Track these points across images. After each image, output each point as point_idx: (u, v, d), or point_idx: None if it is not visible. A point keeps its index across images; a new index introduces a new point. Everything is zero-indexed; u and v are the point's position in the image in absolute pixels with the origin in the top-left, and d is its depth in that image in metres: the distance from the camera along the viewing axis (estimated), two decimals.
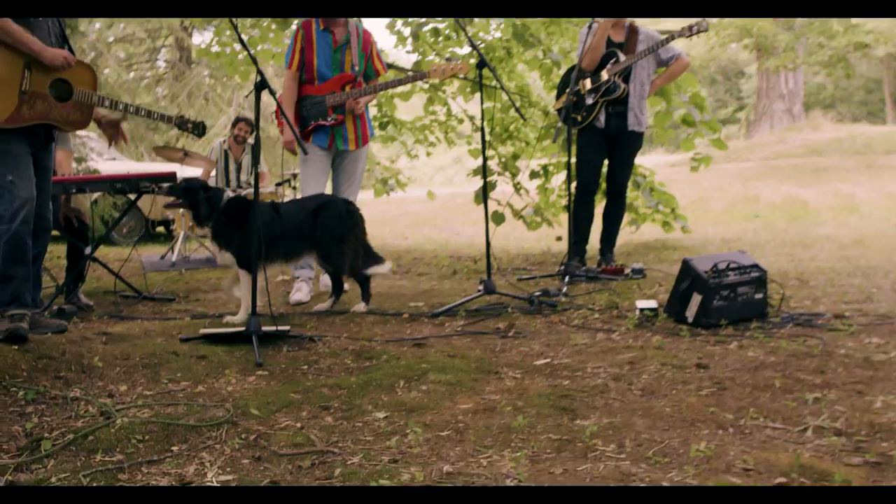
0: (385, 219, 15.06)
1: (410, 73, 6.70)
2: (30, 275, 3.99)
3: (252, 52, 4.06)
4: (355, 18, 5.49)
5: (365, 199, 10.73)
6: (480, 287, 4.86)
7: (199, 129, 4.45)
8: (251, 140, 9.05)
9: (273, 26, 8.35)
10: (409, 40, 8.19)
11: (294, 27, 5.50)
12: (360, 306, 4.90)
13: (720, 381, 3.25)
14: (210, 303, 5.55)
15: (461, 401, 3.08)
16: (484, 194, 5.04)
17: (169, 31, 15.88)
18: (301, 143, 4.09)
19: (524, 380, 3.37)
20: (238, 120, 9.05)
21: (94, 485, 2.35)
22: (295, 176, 8.83)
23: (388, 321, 4.60)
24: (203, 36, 16.24)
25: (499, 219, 7.12)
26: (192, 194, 4.63)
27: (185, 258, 8.42)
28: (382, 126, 8.94)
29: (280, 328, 4.09)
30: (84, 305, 5.31)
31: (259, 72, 3.88)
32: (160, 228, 11.87)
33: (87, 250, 5.40)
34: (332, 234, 4.74)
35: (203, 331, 4.08)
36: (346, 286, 5.53)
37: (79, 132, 11.90)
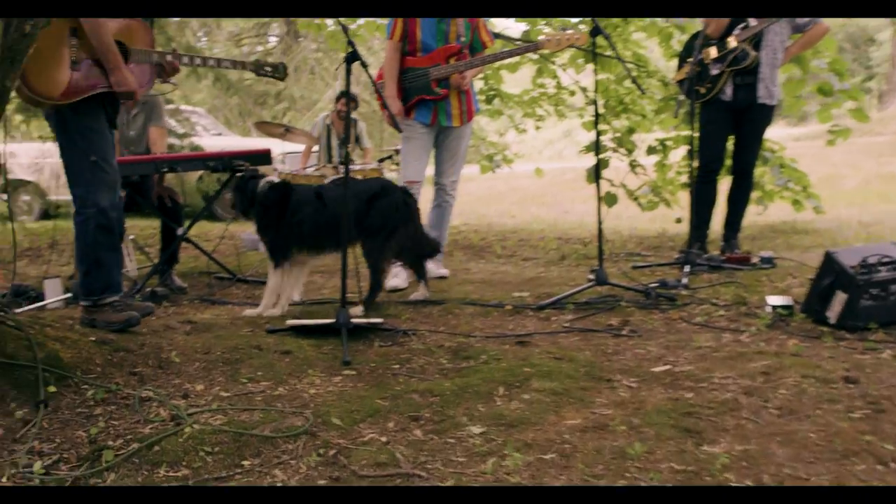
0: (491, 195, 14.68)
1: (521, 44, 6.28)
2: (119, 259, 3.82)
3: (345, 24, 3.71)
4: None
5: (470, 175, 10.37)
6: (591, 276, 4.43)
7: (280, 72, 4.03)
8: (355, 115, 8.82)
9: None
10: None
11: None
12: (358, 309, 4.25)
13: (875, 400, 2.75)
14: (306, 286, 5.31)
15: (568, 415, 2.70)
16: (596, 174, 4.60)
17: None
18: (395, 121, 3.77)
19: (640, 390, 2.95)
20: (342, 94, 8.83)
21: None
22: (398, 152, 8.54)
23: (489, 313, 4.24)
24: None
25: (611, 200, 6.62)
26: (237, 182, 4.41)
27: None
28: (489, 100, 8.54)
29: (372, 320, 3.79)
30: (177, 288, 5.17)
31: (349, 42, 3.55)
32: None
33: (181, 231, 5.24)
34: (383, 225, 4.34)
35: (290, 322, 3.82)
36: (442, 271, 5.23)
37: (184, 107, 12.00)
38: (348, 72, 3.60)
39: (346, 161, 3.70)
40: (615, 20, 7.29)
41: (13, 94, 3.26)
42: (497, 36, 7.44)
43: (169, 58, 3.72)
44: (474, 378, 3.10)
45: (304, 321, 3.84)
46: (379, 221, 4.32)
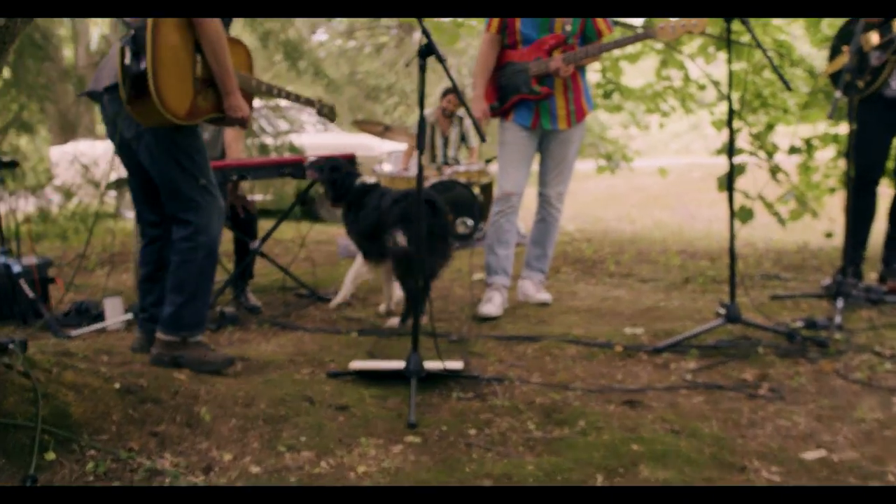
0: (610, 196, 13.78)
1: (637, 32, 5.48)
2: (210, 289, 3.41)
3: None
4: None
5: (587, 172, 9.52)
6: (720, 311, 3.66)
7: (331, 114, 4.16)
8: (461, 113, 8.22)
9: None
10: None
11: None
12: (394, 321, 4.26)
13: None
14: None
15: None
16: (729, 186, 3.80)
17: None
18: (478, 128, 3.13)
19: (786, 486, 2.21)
20: (447, 91, 8.24)
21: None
22: None
23: (594, 356, 3.53)
24: None
25: (746, 216, 5.66)
26: (330, 171, 4.43)
27: None
28: (606, 94, 7.74)
29: (449, 366, 3.16)
30: (250, 307, 4.71)
31: (425, 32, 2.94)
32: None
33: (254, 244, 4.76)
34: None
35: (353, 365, 3.24)
36: (543, 296, 4.55)
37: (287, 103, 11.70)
38: (422, 68, 2.98)
39: (420, 169, 3.08)
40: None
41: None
42: (616, 23, 6.65)
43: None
44: (566, 457, 2.45)
45: (370, 364, 3.26)
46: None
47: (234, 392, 2.95)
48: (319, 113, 4.03)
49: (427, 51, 2.94)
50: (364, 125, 7.61)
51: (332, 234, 9.16)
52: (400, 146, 8.99)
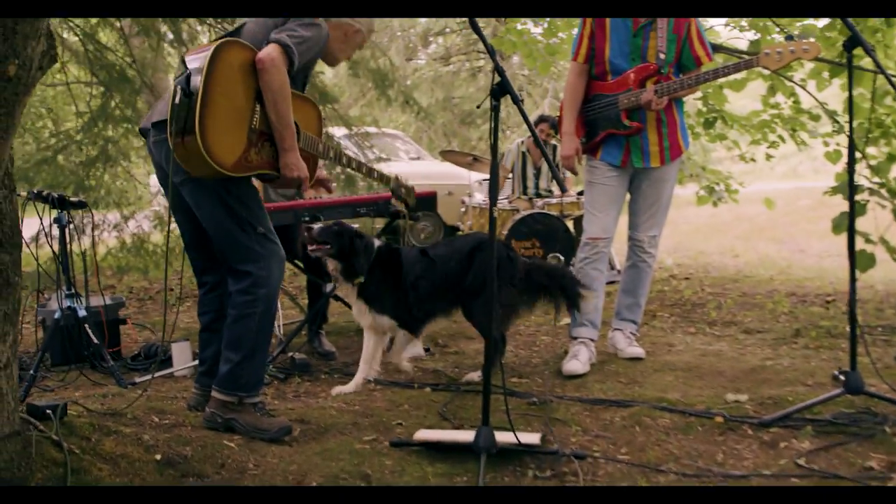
0: (711, 226, 13.11)
1: (742, 59, 5.03)
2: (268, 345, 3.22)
3: (493, 46, 2.79)
4: None
5: (686, 197, 8.93)
6: (839, 378, 3.19)
7: (410, 197, 3.95)
8: (554, 141, 7.88)
9: None
10: None
11: None
12: (474, 375, 3.90)
13: None
14: (472, 357, 4.44)
15: None
16: (850, 237, 3.31)
17: (486, 22, 15.21)
18: (555, 174, 2.83)
19: None
20: (540, 120, 7.91)
21: None
22: None
23: (690, 428, 3.12)
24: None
25: (866, 263, 4.97)
26: (344, 240, 3.72)
27: None
28: (708, 123, 7.27)
29: (525, 439, 2.82)
30: (325, 352, 4.51)
31: (498, 70, 2.64)
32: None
33: (328, 287, 4.54)
34: (481, 283, 3.72)
35: (420, 436, 2.94)
36: (635, 350, 4.16)
37: (381, 130, 11.55)
38: (495, 109, 2.68)
39: (492, 222, 2.77)
40: (874, 21, 5.80)
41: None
42: (717, 49, 6.21)
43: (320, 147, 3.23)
44: None
45: (437, 435, 2.96)
46: (479, 280, 3.74)
47: (286, 466, 2.69)
48: (394, 195, 3.78)
49: (500, 90, 2.64)
50: (451, 156, 7.37)
51: None
52: (488, 177, 8.71)
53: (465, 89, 16.44)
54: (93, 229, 4.71)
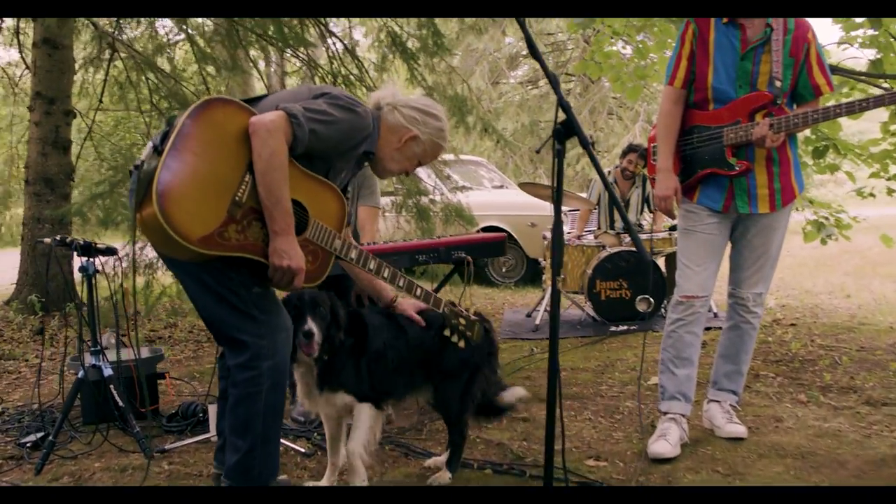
0: (817, 260, 12.12)
1: (885, 92, 4.28)
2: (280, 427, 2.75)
3: (554, 74, 2.24)
4: None
5: (791, 226, 8.16)
6: None
7: (470, 328, 3.05)
8: (645, 171, 7.27)
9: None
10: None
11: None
12: (444, 475, 3.13)
13: None
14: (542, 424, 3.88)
15: None
16: None
17: (575, 44, 14.66)
18: (628, 224, 2.27)
19: None
20: (629, 150, 7.32)
21: None
22: None
23: None
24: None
25: None
26: (330, 318, 2.91)
27: None
28: (818, 153, 6.52)
29: None
30: None
31: (563, 105, 2.11)
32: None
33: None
34: (461, 364, 3.12)
35: None
36: (735, 428, 3.52)
37: (464, 157, 11.06)
38: (559, 154, 2.15)
39: (554, 281, 2.23)
40: None
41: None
42: (833, 70, 5.49)
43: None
44: None
45: None
46: (457, 359, 3.10)
47: None
48: (447, 324, 3.01)
49: (566, 131, 2.11)
50: (531, 188, 6.84)
51: (500, 302, 8.42)
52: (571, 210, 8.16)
53: (553, 114, 15.83)
54: (133, 272, 4.34)
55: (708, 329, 5.54)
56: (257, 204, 2.41)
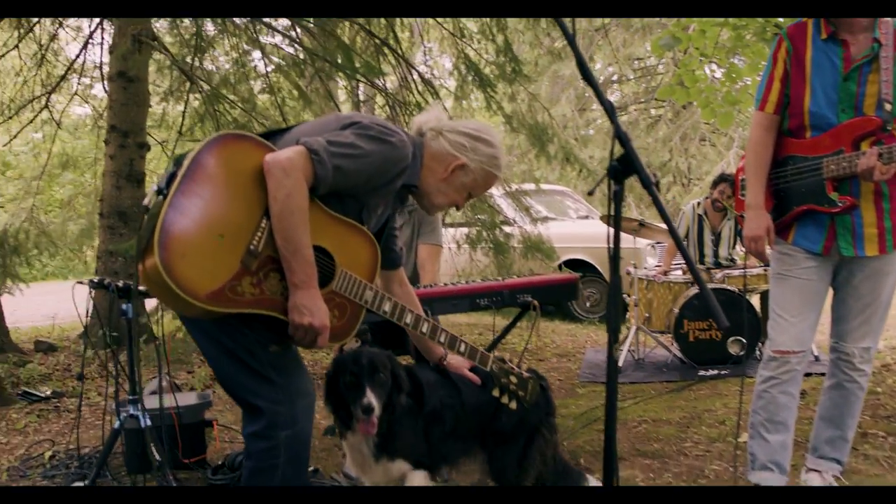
0: None
1: None
2: None
3: (611, 103, 1.86)
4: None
5: None
6: None
7: (522, 387, 2.72)
8: (732, 206, 6.76)
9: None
10: None
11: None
12: None
13: None
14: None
15: None
16: None
17: (666, 68, 14.14)
18: (700, 279, 1.91)
19: None
20: (720, 179, 6.82)
21: None
22: None
23: None
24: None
25: None
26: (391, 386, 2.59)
27: (637, 361, 6.42)
28: None
29: None
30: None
31: (620, 137, 1.75)
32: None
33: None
34: (517, 426, 2.80)
35: None
36: None
37: (546, 186, 10.67)
38: (616, 197, 1.79)
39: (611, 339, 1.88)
40: None
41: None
42: None
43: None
44: None
45: None
46: (513, 421, 2.78)
47: None
48: (496, 383, 2.68)
49: (623, 168, 1.75)
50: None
51: (582, 340, 7.97)
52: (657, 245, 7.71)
53: (644, 140, 15.36)
54: (160, 319, 4.14)
55: (808, 375, 5.02)
56: (275, 253, 2.14)
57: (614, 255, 1.80)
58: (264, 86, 6.97)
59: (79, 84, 8.19)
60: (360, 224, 2.36)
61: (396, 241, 2.66)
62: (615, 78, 16.76)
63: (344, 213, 2.29)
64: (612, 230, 1.85)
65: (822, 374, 3.32)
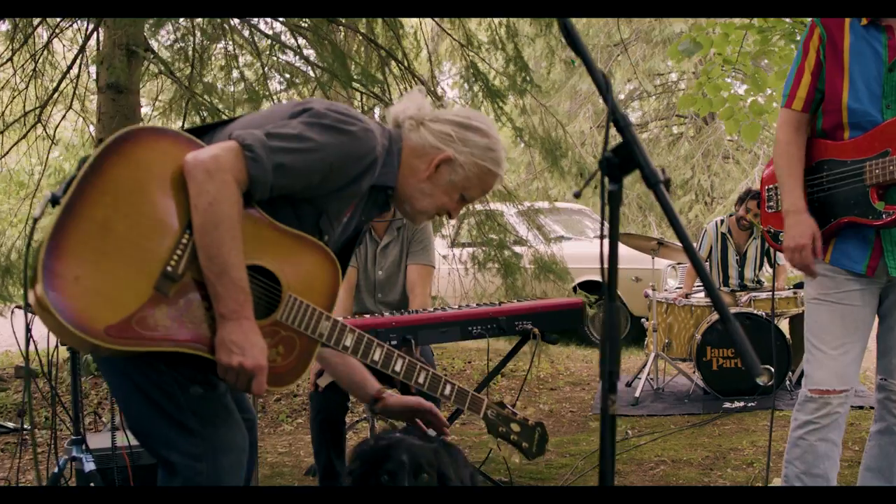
0: None
1: None
2: None
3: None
4: None
5: None
6: None
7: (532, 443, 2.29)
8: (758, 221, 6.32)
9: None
10: None
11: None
12: None
13: None
14: None
15: None
16: None
17: (688, 83, 13.67)
18: (720, 304, 1.45)
19: None
20: (747, 196, 6.34)
21: None
22: None
23: None
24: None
25: None
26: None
27: (656, 390, 5.94)
28: None
29: None
30: None
31: (618, 122, 1.33)
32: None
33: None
34: None
35: None
36: None
37: (561, 204, 10.25)
38: (611, 199, 1.35)
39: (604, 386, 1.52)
40: None
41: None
42: None
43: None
44: None
45: None
46: None
47: None
48: (490, 429, 2.27)
49: (620, 162, 1.32)
50: (632, 240, 6.00)
51: (598, 366, 7.47)
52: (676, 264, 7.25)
53: (664, 158, 14.89)
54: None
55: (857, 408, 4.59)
56: (200, 276, 1.73)
57: (610, 275, 1.37)
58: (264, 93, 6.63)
59: (74, 96, 7.88)
60: (320, 236, 1.93)
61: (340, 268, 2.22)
62: (638, 93, 16.30)
63: (299, 223, 1.88)
64: (607, 243, 1.42)
65: (861, 408, 2.85)
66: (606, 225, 1.39)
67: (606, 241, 1.38)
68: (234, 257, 1.70)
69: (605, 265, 1.37)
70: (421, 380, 2.13)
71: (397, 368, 2.10)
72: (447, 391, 2.20)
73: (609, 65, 13.75)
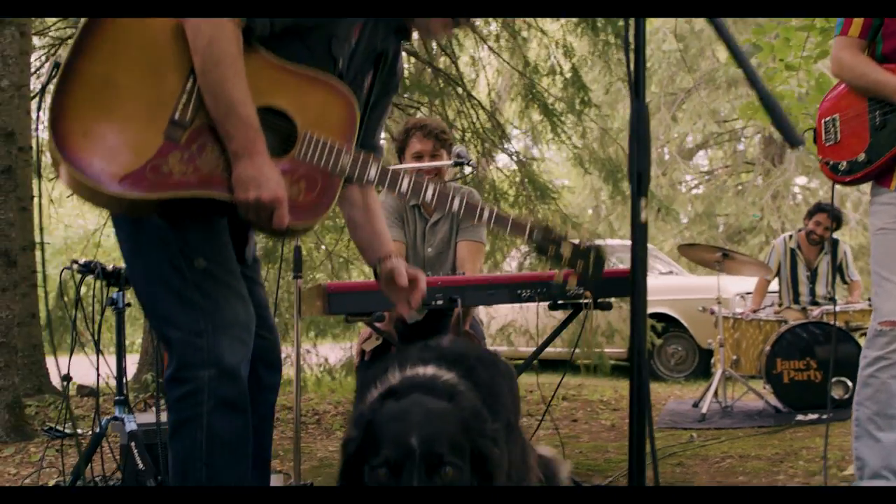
0: None
1: None
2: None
3: None
4: None
5: None
6: None
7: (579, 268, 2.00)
8: (836, 235, 6.11)
9: None
10: None
11: None
12: None
13: None
14: None
15: None
16: None
17: (755, 130, 13.42)
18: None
19: None
20: (816, 209, 6.15)
21: None
22: None
23: None
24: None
25: None
26: None
27: (725, 408, 5.65)
28: None
29: None
30: None
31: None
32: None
33: None
34: None
35: None
36: None
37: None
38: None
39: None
40: None
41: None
42: None
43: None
44: None
45: None
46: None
47: None
48: (539, 249, 2.00)
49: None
50: (693, 252, 5.81)
51: (664, 395, 7.21)
52: (745, 280, 6.98)
53: (731, 206, 14.59)
54: None
55: None
56: (210, 120, 1.71)
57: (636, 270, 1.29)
58: None
59: None
60: (333, 63, 1.86)
61: (378, 130, 2.13)
62: (711, 135, 16.04)
63: (310, 54, 1.82)
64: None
65: None
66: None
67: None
68: (238, 93, 1.67)
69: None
70: (455, 206, 1.98)
71: (427, 197, 1.97)
72: (485, 216, 2.02)
73: (673, 108, 13.66)
